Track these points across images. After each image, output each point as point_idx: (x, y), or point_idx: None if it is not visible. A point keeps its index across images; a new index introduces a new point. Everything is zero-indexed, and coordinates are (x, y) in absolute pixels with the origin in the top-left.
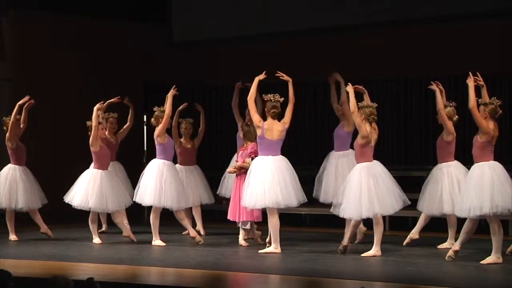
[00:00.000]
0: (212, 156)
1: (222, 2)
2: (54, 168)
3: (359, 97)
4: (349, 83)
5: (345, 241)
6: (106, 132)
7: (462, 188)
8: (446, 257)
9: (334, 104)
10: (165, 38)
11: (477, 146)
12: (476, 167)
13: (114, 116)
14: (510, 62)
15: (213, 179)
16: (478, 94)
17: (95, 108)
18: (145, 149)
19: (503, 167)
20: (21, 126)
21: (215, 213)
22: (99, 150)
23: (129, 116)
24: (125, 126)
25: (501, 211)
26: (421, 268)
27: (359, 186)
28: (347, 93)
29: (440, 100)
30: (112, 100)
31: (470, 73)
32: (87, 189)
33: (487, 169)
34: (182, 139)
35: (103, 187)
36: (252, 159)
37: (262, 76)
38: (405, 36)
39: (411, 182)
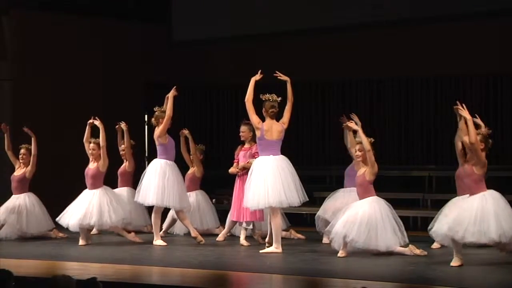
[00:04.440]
0: (213, 155)
1: (222, 2)
2: (54, 169)
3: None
4: (351, 121)
5: None
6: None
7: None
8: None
9: (351, 149)
10: (165, 37)
11: (473, 179)
12: (477, 198)
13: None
14: (510, 62)
15: (214, 178)
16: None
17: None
18: (146, 149)
19: (501, 195)
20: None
21: (217, 213)
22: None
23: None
24: None
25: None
26: (422, 268)
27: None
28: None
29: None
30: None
31: (458, 102)
32: (87, 209)
33: (491, 198)
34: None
35: (101, 204)
36: None
37: (258, 76)
38: (405, 36)
39: (412, 182)
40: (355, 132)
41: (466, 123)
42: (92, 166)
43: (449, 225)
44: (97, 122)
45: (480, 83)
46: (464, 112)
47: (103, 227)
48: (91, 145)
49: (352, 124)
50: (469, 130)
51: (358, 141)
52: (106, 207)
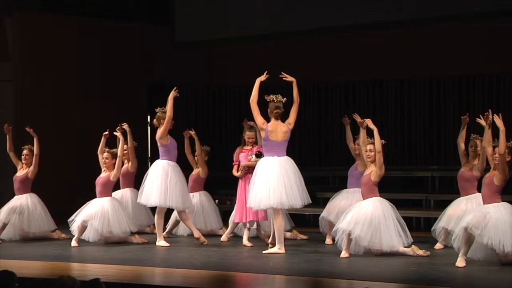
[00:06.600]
0: (215, 156)
1: (223, 2)
2: (55, 169)
3: (370, 133)
4: (369, 120)
5: None
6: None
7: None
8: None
9: (350, 144)
10: (166, 38)
11: (492, 189)
12: (491, 207)
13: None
14: (510, 62)
15: (215, 179)
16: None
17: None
18: (148, 149)
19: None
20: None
21: (220, 214)
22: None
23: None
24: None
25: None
26: (425, 269)
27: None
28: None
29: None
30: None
31: (490, 111)
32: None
33: (505, 209)
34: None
35: (107, 213)
36: (256, 155)
37: (263, 77)
38: (407, 36)
39: (415, 183)
40: (369, 131)
41: (488, 131)
42: (103, 175)
43: (468, 221)
44: (118, 134)
45: (482, 83)
46: (499, 122)
47: (105, 235)
48: (105, 154)
49: (370, 123)
50: (500, 141)
51: (371, 141)
52: (111, 217)
